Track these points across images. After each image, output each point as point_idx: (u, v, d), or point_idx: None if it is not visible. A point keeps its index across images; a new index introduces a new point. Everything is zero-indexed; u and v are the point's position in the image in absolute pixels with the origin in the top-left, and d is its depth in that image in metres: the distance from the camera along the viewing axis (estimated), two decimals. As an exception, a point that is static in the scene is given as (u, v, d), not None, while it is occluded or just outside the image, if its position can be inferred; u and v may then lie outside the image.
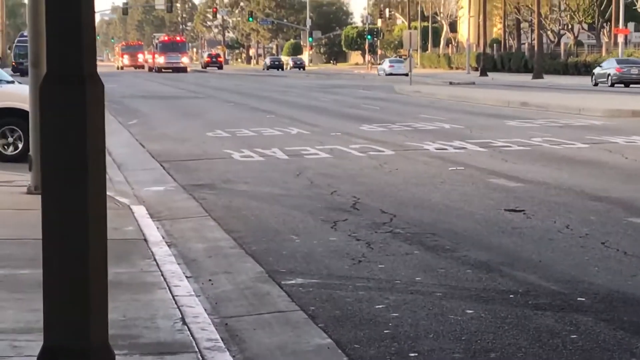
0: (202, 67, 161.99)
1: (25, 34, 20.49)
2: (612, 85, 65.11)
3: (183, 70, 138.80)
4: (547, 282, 10.35)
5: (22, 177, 16.51)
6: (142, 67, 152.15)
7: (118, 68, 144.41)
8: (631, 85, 63.83)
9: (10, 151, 20.24)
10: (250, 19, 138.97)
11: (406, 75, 71.29)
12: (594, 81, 69.54)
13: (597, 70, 72.05)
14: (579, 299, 9.60)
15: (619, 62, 71.46)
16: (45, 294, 5.13)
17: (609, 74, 67.98)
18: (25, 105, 17.92)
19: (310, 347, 8.13)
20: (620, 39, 78.97)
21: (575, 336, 8.47)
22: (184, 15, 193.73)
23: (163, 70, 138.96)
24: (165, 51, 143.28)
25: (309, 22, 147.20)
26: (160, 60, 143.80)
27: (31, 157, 15.24)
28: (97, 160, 5.15)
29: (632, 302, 9.48)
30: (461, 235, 12.97)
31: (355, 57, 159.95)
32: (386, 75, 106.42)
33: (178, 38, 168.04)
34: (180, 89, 63.95)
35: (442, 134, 28.18)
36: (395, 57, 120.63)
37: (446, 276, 10.63)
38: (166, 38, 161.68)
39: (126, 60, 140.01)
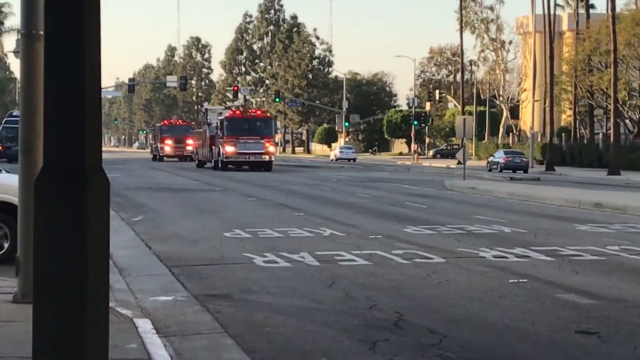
0: None
1: (16, 114, 20.67)
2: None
3: None
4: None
5: (6, 283, 16.57)
6: (191, 158, 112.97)
7: (155, 159, 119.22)
8: None
9: (-5, 252, 20.30)
10: (277, 99, 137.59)
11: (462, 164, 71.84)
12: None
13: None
14: None
15: None
16: None
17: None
18: (14, 199, 17.99)
19: None
20: None
21: None
22: (200, 94, 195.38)
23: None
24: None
25: (345, 104, 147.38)
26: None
27: (19, 259, 15.28)
28: (98, 268, 5.18)
29: None
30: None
31: (399, 145, 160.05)
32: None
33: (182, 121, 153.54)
34: (194, 180, 64.31)
35: (501, 239, 28.13)
36: (446, 147, 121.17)
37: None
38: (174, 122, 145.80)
39: (168, 147, 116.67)
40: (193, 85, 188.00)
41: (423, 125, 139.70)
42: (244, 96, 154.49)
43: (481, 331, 14.93)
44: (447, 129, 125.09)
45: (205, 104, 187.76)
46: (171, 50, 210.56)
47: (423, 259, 23.48)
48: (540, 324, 15.65)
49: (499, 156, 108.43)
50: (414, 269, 21.92)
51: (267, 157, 73.39)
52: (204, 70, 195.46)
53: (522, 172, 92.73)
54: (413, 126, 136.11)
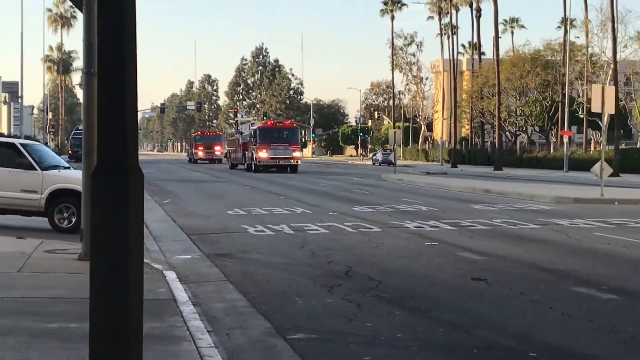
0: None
1: (80, 128, 20.52)
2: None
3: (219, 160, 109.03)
4: (505, 339, 10.34)
5: (74, 246, 16.44)
6: (220, 161, 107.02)
7: (190, 161, 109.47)
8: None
9: (65, 224, 20.24)
10: (265, 117, 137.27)
11: (393, 164, 72.38)
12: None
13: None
14: (531, 354, 9.59)
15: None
16: (92, 342, 5.11)
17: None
18: (79, 187, 17.91)
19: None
20: (565, 139, 79.43)
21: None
22: (210, 114, 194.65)
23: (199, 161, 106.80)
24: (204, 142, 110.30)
25: (312, 121, 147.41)
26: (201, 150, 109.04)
27: (82, 230, 15.19)
28: (137, 236, 5.16)
29: (574, 356, 9.49)
30: (435, 299, 12.96)
31: (350, 150, 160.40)
32: (379, 164, 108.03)
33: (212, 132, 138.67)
34: (207, 175, 64.14)
35: (420, 214, 28.19)
36: (383, 151, 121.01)
37: (422, 333, 10.61)
38: (204, 132, 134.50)
39: (201, 153, 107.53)
40: (205, 108, 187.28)
41: (366, 136, 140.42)
42: (241, 116, 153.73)
43: (406, 278, 14.97)
44: (383, 139, 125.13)
45: (215, 121, 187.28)
46: (190, 83, 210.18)
47: (366, 229, 23.46)
48: (447, 273, 15.69)
49: (379, 155, 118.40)
50: (360, 235, 21.92)
51: (294, 161, 64.91)
52: (213, 97, 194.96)
53: (387, 165, 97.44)
54: (359, 137, 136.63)
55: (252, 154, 67.18)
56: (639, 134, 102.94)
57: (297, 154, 65.87)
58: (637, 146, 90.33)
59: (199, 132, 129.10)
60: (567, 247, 19.78)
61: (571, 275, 15.49)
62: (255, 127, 68.13)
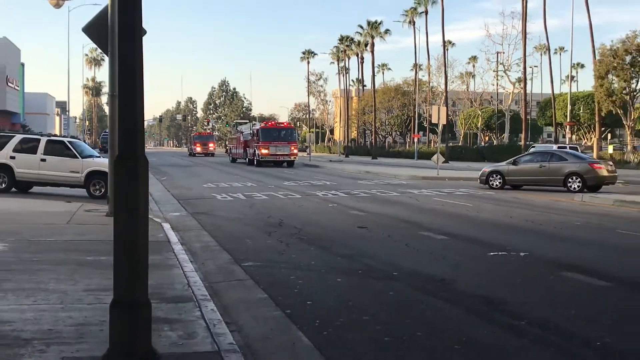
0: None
1: (107, 131, 20.34)
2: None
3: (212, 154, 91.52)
4: (379, 265, 10.44)
5: (103, 207, 16.27)
6: (213, 154, 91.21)
7: (190, 155, 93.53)
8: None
9: (97, 193, 20.10)
10: (227, 125, 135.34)
11: (309, 154, 72.03)
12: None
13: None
14: (394, 273, 9.69)
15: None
16: (115, 268, 5.06)
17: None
18: (106, 169, 17.94)
19: (256, 298, 8.14)
20: (415, 140, 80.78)
21: (392, 293, 8.55)
22: (191, 123, 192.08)
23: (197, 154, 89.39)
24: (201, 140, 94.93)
25: (236, 129, 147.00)
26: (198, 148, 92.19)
27: (108, 196, 15.18)
28: (144, 200, 5.10)
29: (422, 276, 9.61)
30: (335, 240, 13.02)
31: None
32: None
33: (208, 132, 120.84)
34: (190, 162, 63.46)
35: (325, 187, 28.28)
36: (302, 147, 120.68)
37: (327, 261, 10.66)
38: (201, 132, 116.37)
39: (199, 148, 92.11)
40: (188, 119, 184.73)
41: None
42: (212, 124, 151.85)
43: (317, 227, 14.99)
44: (302, 139, 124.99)
45: (194, 127, 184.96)
46: (178, 102, 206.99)
47: (291, 196, 23.45)
48: (341, 223, 15.77)
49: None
50: (287, 200, 21.90)
51: (292, 157, 52.78)
52: (194, 112, 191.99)
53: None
54: (309, 137, 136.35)
55: (255, 150, 53.17)
56: (460, 136, 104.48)
57: (295, 150, 53.09)
58: (459, 144, 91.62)
59: (197, 133, 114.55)
60: (417, 207, 20.04)
61: (419, 224, 15.71)
62: (258, 127, 54.37)
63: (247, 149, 57.22)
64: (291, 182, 31.30)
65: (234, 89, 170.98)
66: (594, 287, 9.02)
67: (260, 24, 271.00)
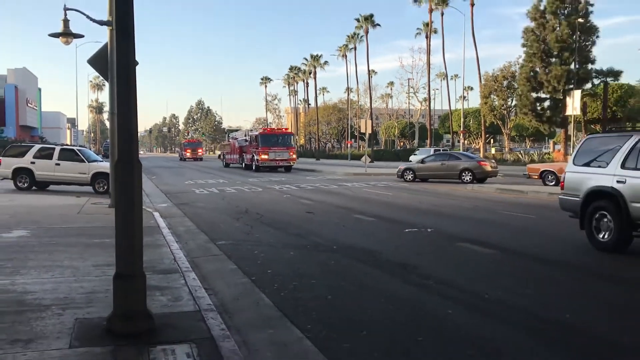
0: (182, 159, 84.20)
1: (108, 141, 19.80)
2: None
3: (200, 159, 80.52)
4: (323, 241, 10.44)
5: (106, 200, 15.87)
6: (201, 159, 79.87)
7: (181, 159, 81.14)
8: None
9: (101, 190, 19.60)
10: (203, 135, 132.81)
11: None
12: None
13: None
14: (334, 247, 9.71)
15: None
16: (117, 248, 4.95)
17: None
18: (108, 170, 17.64)
19: (228, 269, 8.04)
20: (349, 145, 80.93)
21: (333, 262, 8.56)
22: (175, 134, 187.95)
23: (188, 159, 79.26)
24: (191, 147, 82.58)
25: (228, 136, 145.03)
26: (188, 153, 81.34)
27: (110, 192, 14.81)
28: (138, 194, 4.99)
29: (356, 249, 9.67)
30: (288, 222, 12.98)
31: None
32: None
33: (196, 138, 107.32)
34: (174, 165, 62.34)
35: (281, 182, 28.16)
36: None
37: (282, 239, 10.61)
38: (191, 139, 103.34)
39: (188, 154, 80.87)
40: (172, 131, 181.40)
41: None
42: (192, 135, 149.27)
43: (275, 213, 14.90)
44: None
45: (177, 138, 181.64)
46: (164, 118, 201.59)
47: (255, 190, 23.30)
48: (293, 209, 15.70)
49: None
50: (252, 193, 21.73)
51: (290, 162, 42.85)
52: (176, 125, 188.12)
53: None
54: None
55: (253, 156, 42.23)
56: (382, 142, 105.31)
57: (293, 155, 42.79)
58: (381, 148, 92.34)
59: (186, 140, 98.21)
60: (351, 196, 20.14)
61: (353, 209, 15.80)
62: (256, 133, 43.52)
63: (244, 154, 45.73)
64: (255, 179, 31.07)
65: (208, 107, 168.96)
66: (483, 254, 9.21)
67: (229, 53, 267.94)
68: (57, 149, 20.72)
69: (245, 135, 47.55)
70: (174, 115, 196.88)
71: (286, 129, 48.04)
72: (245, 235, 11.13)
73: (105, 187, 19.24)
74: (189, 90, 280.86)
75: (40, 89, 73.29)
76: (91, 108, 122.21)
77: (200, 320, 5.24)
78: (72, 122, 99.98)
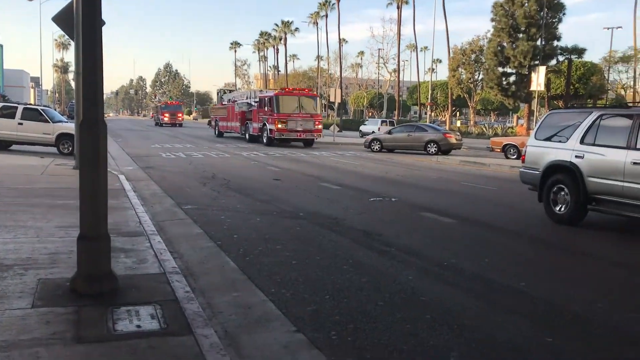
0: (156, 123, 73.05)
1: (73, 102, 19.28)
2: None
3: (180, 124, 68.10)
4: (289, 208, 10.48)
5: (71, 162, 15.54)
6: (181, 125, 68.02)
7: (157, 124, 68.99)
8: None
9: (65, 151, 19.21)
10: (170, 98, 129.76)
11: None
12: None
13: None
14: (300, 214, 9.76)
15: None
16: (81, 209, 4.88)
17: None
18: (72, 132, 17.28)
19: (194, 233, 8.02)
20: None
21: (298, 228, 8.61)
22: (142, 97, 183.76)
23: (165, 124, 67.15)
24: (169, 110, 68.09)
25: (195, 101, 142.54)
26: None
27: (75, 153, 14.52)
28: (103, 156, 4.91)
29: (321, 215, 9.72)
30: (255, 189, 12.96)
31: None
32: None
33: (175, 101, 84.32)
34: (142, 128, 61.22)
35: (248, 149, 28.00)
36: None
37: (249, 205, 10.61)
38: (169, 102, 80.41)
39: (166, 118, 68.01)
40: (139, 94, 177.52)
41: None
42: (159, 98, 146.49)
43: (241, 179, 14.87)
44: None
45: (144, 101, 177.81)
46: (131, 80, 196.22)
47: (223, 155, 23.13)
48: (262, 176, 15.67)
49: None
50: (219, 158, 21.58)
51: (315, 135, 30.65)
52: (144, 88, 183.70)
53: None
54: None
55: (264, 125, 30.83)
56: (350, 112, 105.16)
57: (319, 126, 30.90)
58: (350, 118, 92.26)
59: (164, 102, 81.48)
60: (319, 165, 20.17)
61: (320, 177, 15.84)
62: (270, 94, 31.02)
63: (248, 122, 34.04)
64: (222, 145, 30.79)
65: (176, 70, 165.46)
66: (444, 223, 9.39)
67: (198, 16, 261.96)
68: (20, 108, 20.08)
69: (250, 97, 35.08)
70: (142, 77, 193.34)
71: (309, 89, 33.52)
72: (212, 200, 11.08)
73: (70, 149, 18.85)
74: (157, 53, 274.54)
75: (1, 46, 70.53)
76: (56, 67, 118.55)
77: (165, 282, 5.24)
78: (36, 82, 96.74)
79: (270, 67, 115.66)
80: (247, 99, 35.50)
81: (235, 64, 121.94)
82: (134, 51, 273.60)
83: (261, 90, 36.27)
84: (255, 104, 32.74)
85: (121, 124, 72.57)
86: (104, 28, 5.08)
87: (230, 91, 46.95)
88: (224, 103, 40.76)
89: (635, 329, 4.77)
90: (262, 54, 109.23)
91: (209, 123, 50.20)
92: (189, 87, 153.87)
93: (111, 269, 4.97)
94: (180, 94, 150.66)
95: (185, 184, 13.49)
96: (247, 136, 34.29)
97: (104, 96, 5.05)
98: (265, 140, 30.77)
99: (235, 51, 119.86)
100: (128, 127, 61.34)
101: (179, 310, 4.51)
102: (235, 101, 37.41)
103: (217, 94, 46.32)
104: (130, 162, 18.72)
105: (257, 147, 29.11)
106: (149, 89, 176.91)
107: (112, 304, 4.58)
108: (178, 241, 7.40)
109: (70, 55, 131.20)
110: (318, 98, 32.23)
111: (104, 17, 4.98)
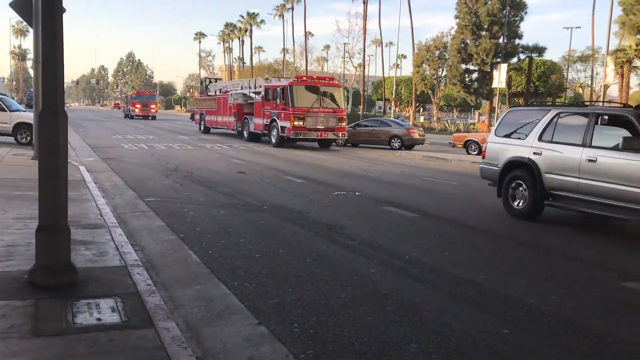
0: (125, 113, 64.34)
1: (32, 90, 18.80)
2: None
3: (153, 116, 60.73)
4: (253, 201, 10.46)
5: (29, 152, 15.15)
6: (154, 117, 60.64)
7: (127, 117, 61.02)
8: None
9: (24, 141, 18.75)
10: (133, 88, 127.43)
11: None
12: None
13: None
14: (264, 207, 9.76)
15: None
16: (40, 200, 4.78)
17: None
18: (31, 121, 16.87)
19: (156, 226, 7.94)
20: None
21: (262, 221, 8.61)
22: (103, 87, 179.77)
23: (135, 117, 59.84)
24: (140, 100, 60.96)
25: (157, 92, 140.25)
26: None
27: (34, 143, 14.16)
28: (64, 146, 4.81)
29: (285, 209, 9.73)
30: (219, 182, 12.89)
31: (178, 108, 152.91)
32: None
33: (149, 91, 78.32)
34: (102, 118, 59.95)
35: (213, 141, 27.75)
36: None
37: (212, 198, 10.56)
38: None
39: (137, 110, 60.16)
40: (101, 83, 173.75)
41: (186, 100, 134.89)
42: (121, 88, 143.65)
43: (205, 171, 14.75)
44: (197, 103, 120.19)
45: (105, 90, 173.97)
46: (92, 69, 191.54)
47: (185, 147, 22.88)
48: (225, 169, 15.59)
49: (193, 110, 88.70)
50: (182, 150, 21.35)
51: (339, 135, 23.96)
52: (105, 77, 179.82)
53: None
54: (183, 101, 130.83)
55: (274, 121, 24.71)
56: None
57: (342, 123, 24.33)
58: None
59: (135, 91, 71.50)
60: (283, 158, 20.13)
61: (284, 171, 15.81)
62: (283, 84, 24.41)
63: (249, 117, 28.15)
64: (185, 137, 30.42)
65: (139, 60, 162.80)
66: (406, 217, 9.52)
67: (162, 6, 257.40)
68: (-25, 96, 19.51)
69: (248, 87, 28.88)
70: (103, 67, 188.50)
71: (331, 78, 26.09)
72: (175, 192, 10.97)
73: (28, 138, 18.39)
74: (119, 42, 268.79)
75: (-46, 31, 68.05)
76: (13, 55, 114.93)
77: (126, 275, 5.19)
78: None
79: (235, 58, 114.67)
80: (242, 89, 29.70)
81: (200, 55, 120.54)
82: (95, 40, 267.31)
83: (267, 79, 28.52)
84: (257, 96, 27.02)
85: (82, 113, 70.87)
86: (64, 15, 4.97)
87: (217, 80, 41.03)
88: (210, 94, 35.00)
89: (585, 320, 4.94)
90: (227, 45, 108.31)
91: (192, 117, 44.53)
92: (152, 78, 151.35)
93: (71, 262, 4.89)
94: (143, 84, 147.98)
95: (148, 176, 13.30)
96: (245, 134, 28.74)
97: (64, 85, 4.94)
98: (274, 140, 24.82)
99: (200, 42, 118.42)
100: (90, 117, 59.99)
101: (140, 303, 4.47)
102: (228, 92, 31.44)
103: (201, 83, 39.62)
104: (91, 153, 18.35)
105: (264, 147, 24.26)
106: (110, 79, 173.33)
107: (72, 296, 4.51)
108: (140, 234, 7.31)
109: (28, 42, 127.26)
110: (342, 89, 25.56)
111: (64, 3, 4.87)
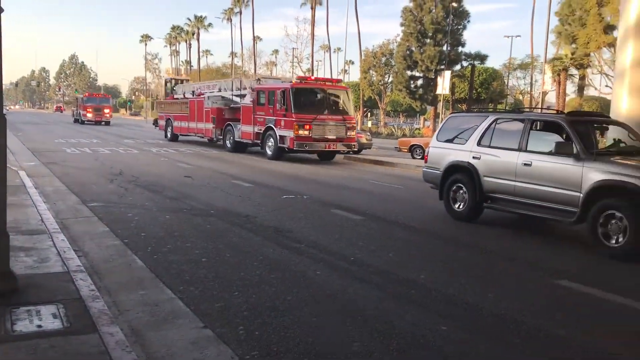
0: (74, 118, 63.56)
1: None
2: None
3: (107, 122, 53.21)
4: (200, 205, 10.40)
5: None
6: (108, 123, 53.00)
7: (77, 122, 54.03)
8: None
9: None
10: (77, 92, 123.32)
11: (145, 117, 67.48)
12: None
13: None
14: (211, 211, 9.72)
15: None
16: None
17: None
18: None
19: (99, 231, 7.81)
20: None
21: (209, 225, 8.59)
22: (44, 89, 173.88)
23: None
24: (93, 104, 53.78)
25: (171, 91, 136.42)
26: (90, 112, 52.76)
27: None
28: (2, 151, 4.70)
29: (232, 213, 9.72)
30: (165, 186, 12.73)
31: (123, 111, 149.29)
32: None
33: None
34: (45, 121, 57.84)
35: (159, 145, 27.26)
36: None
37: (158, 202, 10.44)
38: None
39: (90, 114, 52.70)
40: (42, 86, 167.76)
41: (131, 104, 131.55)
42: (63, 91, 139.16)
43: (151, 176, 14.54)
44: (142, 105, 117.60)
45: (47, 93, 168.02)
46: (32, 71, 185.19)
47: (130, 151, 22.41)
48: (171, 172, 15.39)
49: (142, 114, 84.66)
50: (127, 154, 20.91)
51: (351, 145, 19.57)
52: (47, 80, 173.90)
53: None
54: (128, 104, 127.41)
55: (271, 130, 20.18)
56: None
57: (351, 133, 19.98)
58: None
59: (87, 94, 62.52)
60: (231, 162, 19.98)
61: (232, 175, 15.73)
62: (285, 86, 19.60)
63: (232, 124, 23.97)
64: (130, 141, 29.77)
65: (82, 62, 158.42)
66: (352, 220, 9.68)
67: (107, 6, 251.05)
68: None
69: (230, 89, 25.06)
70: (44, 68, 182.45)
71: (337, 80, 21.91)
72: (119, 197, 10.78)
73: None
74: (61, 44, 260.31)
75: None
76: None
77: (68, 281, 5.10)
78: None
79: (182, 61, 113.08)
80: (221, 91, 25.89)
81: (146, 58, 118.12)
82: (36, 41, 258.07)
83: (258, 80, 23.98)
84: (240, 99, 23.51)
85: (22, 116, 68.26)
86: (2, 15, 4.85)
87: (183, 81, 36.09)
88: (177, 96, 30.77)
89: (519, 316, 5.19)
90: (174, 48, 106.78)
91: (155, 122, 39.47)
92: (97, 80, 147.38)
93: (10, 268, 4.78)
94: (87, 87, 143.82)
95: (91, 181, 13.01)
96: (227, 143, 24.41)
97: (3, 87, 4.82)
98: (270, 152, 20.94)
99: (146, 44, 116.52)
100: (29, 119, 57.79)
101: (83, 308, 4.41)
102: (203, 94, 27.16)
103: (166, 85, 35.64)
104: (31, 158, 17.76)
105: (261, 161, 20.36)
106: (52, 81, 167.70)
107: (11, 304, 4.40)
108: (83, 239, 7.17)
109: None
110: (349, 91, 21.59)
111: (2, 3, 4.76)
